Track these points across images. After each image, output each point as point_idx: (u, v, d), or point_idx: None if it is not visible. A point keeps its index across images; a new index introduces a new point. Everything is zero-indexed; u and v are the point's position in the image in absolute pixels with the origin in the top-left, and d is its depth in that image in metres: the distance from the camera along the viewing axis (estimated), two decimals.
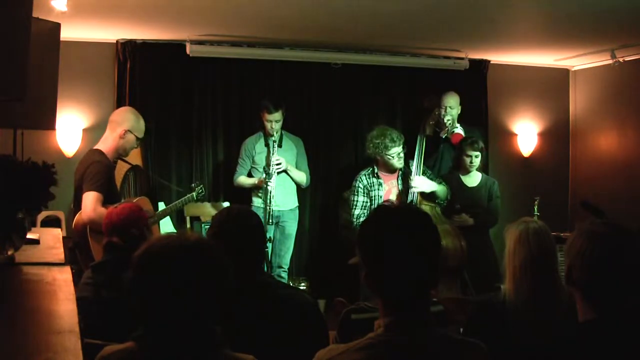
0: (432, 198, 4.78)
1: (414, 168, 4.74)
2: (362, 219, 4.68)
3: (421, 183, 4.69)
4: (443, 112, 5.17)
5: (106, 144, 3.71)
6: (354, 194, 4.81)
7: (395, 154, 4.66)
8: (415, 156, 4.80)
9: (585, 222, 1.78)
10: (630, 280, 1.67)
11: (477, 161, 4.82)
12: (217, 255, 1.56)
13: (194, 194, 4.65)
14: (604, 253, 1.68)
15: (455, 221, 4.78)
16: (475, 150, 4.78)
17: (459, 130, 5.13)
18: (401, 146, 4.67)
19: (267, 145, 5.14)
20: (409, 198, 4.68)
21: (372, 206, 4.75)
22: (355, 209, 4.79)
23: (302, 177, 5.23)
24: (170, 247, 1.53)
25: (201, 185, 4.76)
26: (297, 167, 5.23)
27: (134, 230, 2.75)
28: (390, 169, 4.76)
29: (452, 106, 5.23)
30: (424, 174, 4.76)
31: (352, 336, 1.59)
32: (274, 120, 5.03)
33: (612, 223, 1.75)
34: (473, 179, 4.93)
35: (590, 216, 4.04)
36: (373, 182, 4.78)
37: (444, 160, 5.30)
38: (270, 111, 5.01)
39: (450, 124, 5.17)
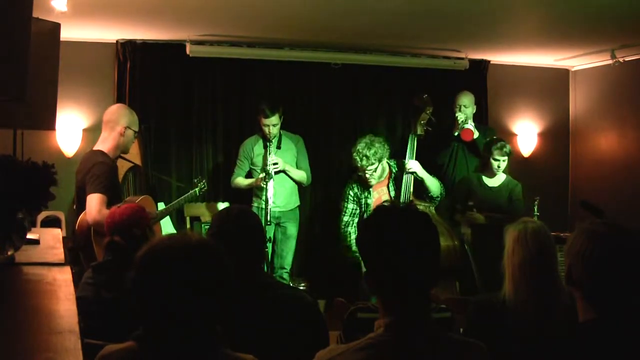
0: (425, 195, 4.75)
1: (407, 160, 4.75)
2: (349, 227, 4.77)
3: (415, 165, 4.71)
4: (457, 111, 5.22)
5: (107, 143, 3.68)
6: (345, 201, 4.85)
7: (366, 172, 4.60)
8: (407, 156, 4.79)
9: (585, 222, 1.78)
10: (630, 280, 1.67)
11: (503, 165, 4.84)
12: (218, 256, 1.56)
13: (196, 189, 4.65)
14: (604, 253, 1.68)
15: (467, 217, 4.77)
16: (503, 155, 4.78)
17: (469, 125, 5.11)
18: (375, 164, 4.58)
19: (266, 147, 5.08)
20: (402, 200, 4.66)
21: (362, 213, 4.78)
22: (344, 215, 4.84)
23: (302, 175, 5.16)
24: (172, 247, 1.53)
25: (203, 181, 4.75)
26: (297, 166, 5.17)
27: (135, 230, 2.74)
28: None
29: (466, 105, 5.26)
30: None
31: (357, 335, 1.59)
32: (271, 125, 4.94)
33: (612, 223, 1.75)
34: (495, 179, 4.91)
35: (590, 216, 4.04)
36: (362, 190, 4.78)
37: (459, 159, 5.30)
38: (267, 115, 4.91)
39: (462, 121, 5.17)
